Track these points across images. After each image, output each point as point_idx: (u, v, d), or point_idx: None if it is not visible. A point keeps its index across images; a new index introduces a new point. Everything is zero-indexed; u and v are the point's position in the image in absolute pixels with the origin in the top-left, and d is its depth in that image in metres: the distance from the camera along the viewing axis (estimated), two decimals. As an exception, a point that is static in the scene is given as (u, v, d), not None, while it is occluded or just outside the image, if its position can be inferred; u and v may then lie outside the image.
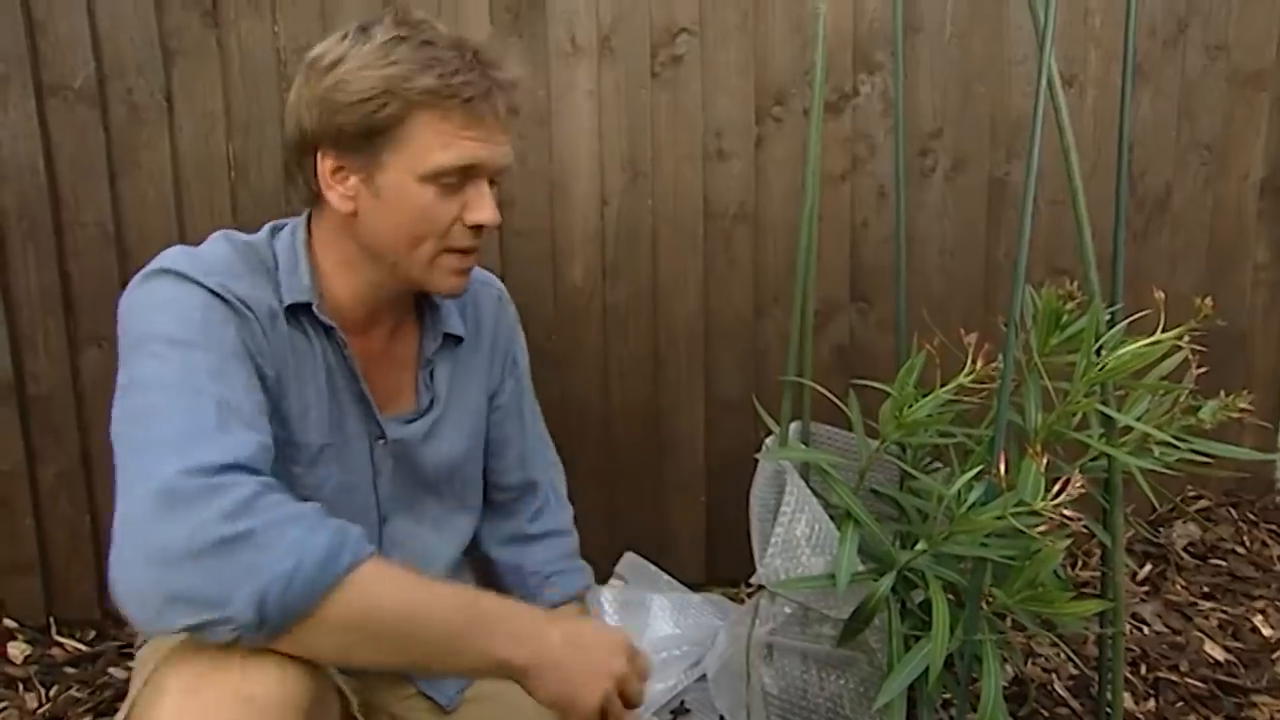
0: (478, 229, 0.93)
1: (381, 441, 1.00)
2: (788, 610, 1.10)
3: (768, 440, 1.13)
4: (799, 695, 1.11)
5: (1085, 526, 0.88)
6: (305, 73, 0.91)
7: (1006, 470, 0.89)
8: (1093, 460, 0.99)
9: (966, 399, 0.99)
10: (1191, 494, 1.94)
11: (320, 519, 0.74)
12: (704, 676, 1.36)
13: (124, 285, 1.49)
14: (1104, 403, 0.90)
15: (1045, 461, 0.86)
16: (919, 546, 0.94)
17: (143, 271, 0.90)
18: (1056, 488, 0.85)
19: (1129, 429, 0.96)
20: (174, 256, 0.90)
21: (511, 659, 0.78)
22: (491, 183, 0.95)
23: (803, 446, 1.10)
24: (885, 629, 0.96)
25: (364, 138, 0.89)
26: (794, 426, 1.16)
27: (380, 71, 0.87)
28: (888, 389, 1.00)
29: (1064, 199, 1.68)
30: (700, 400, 1.71)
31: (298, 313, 0.94)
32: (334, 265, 0.97)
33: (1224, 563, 1.79)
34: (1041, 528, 0.82)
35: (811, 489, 1.08)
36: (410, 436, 1.02)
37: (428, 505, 1.05)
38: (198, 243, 1.01)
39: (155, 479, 0.72)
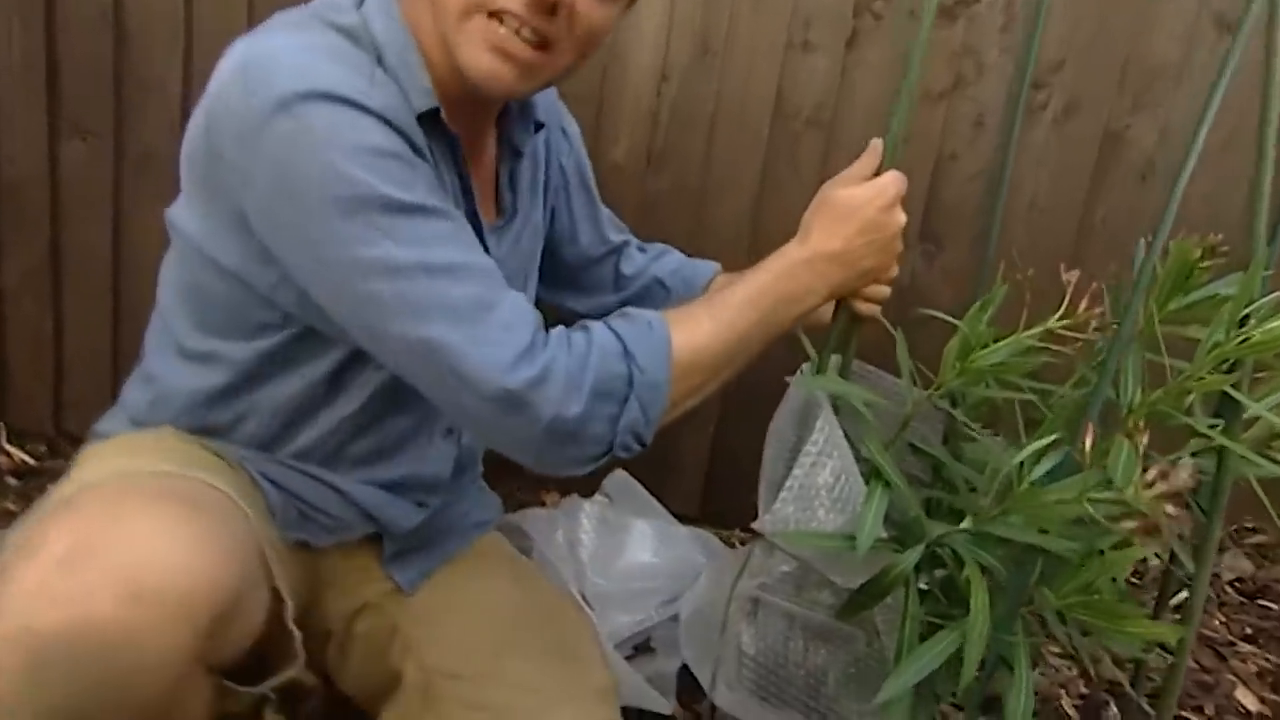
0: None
1: None
2: (785, 568, 0.94)
3: (804, 366, 0.95)
4: (777, 662, 0.96)
5: (1179, 535, 0.71)
6: None
7: (1092, 446, 0.71)
8: (1193, 455, 0.80)
9: (1050, 348, 0.81)
10: (1248, 525, 1.75)
11: (606, 351, 0.77)
12: (676, 617, 1.21)
13: (117, 73, 1.37)
14: (1234, 386, 0.72)
15: (1145, 440, 0.68)
16: (965, 523, 0.76)
17: (278, 95, 0.69)
18: (1152, 475, 0.66)
19: (1249, 425, 0.77)
20: (307, 66, 0.70)
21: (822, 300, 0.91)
22: None
23: (842, 380, 0.92)
24: (899, 609, 0.79)
25: None
26: (835, 360, 0.98)
27: None
28: (957, 322, 0.82)
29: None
30: (730, 320, 1.53)
31: (421, 123, 0.77)
32: (430, 43, 0.78)
33: (1274, 606, 1.60)
34: (1130, 524, 0.64)
35: (845, 434, 0.90)
36: (503, 254, 0.93)
37: None
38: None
39: (485, 388, 0.72)
